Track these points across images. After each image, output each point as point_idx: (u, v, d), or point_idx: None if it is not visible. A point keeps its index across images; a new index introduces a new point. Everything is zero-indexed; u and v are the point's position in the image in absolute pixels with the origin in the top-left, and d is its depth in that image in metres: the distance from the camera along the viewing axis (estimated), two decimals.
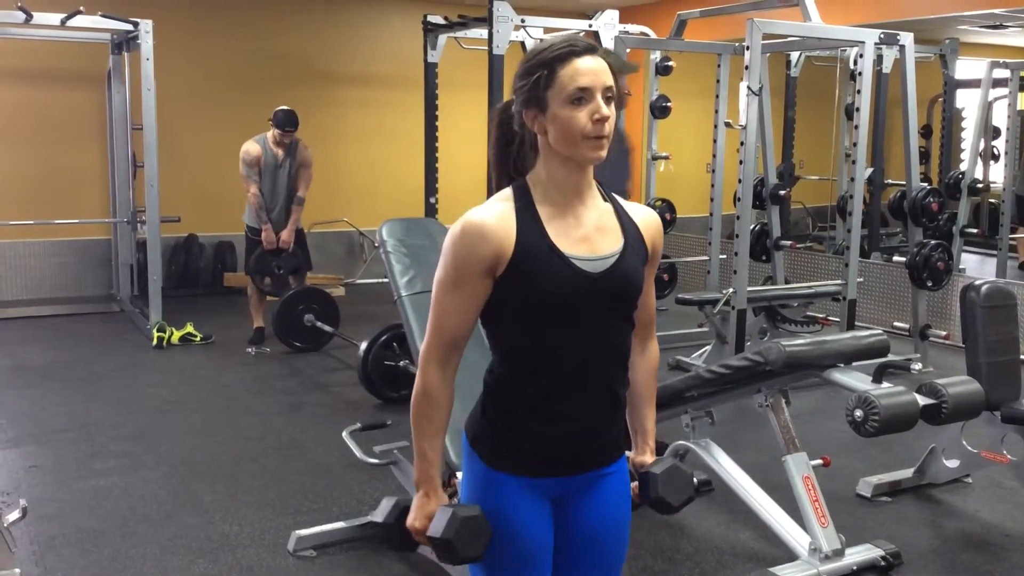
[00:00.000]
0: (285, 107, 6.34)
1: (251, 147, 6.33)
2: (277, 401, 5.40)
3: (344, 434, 3.61)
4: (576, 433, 1.75)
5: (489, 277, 1.68)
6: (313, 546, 3.45)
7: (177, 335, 6.58)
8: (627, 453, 1.91)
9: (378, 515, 1.87)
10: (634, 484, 1.89)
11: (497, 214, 1.68)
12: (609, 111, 1.65)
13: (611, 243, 1.73)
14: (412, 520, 1.75)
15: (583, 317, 1.69)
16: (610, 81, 1.66)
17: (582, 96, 1.64)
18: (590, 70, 1.64)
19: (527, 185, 1.73)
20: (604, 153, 1.67)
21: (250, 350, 6.42)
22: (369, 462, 3.48)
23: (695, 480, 1.94)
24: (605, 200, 1.78)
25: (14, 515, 3.31)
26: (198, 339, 6.63)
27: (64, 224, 7.66)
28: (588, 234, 1.72)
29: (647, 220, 1.81)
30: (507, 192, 1.73)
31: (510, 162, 1.78)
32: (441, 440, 1.78)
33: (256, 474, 4.23)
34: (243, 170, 6.35)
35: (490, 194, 1.79)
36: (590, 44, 1.68)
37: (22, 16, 6.44)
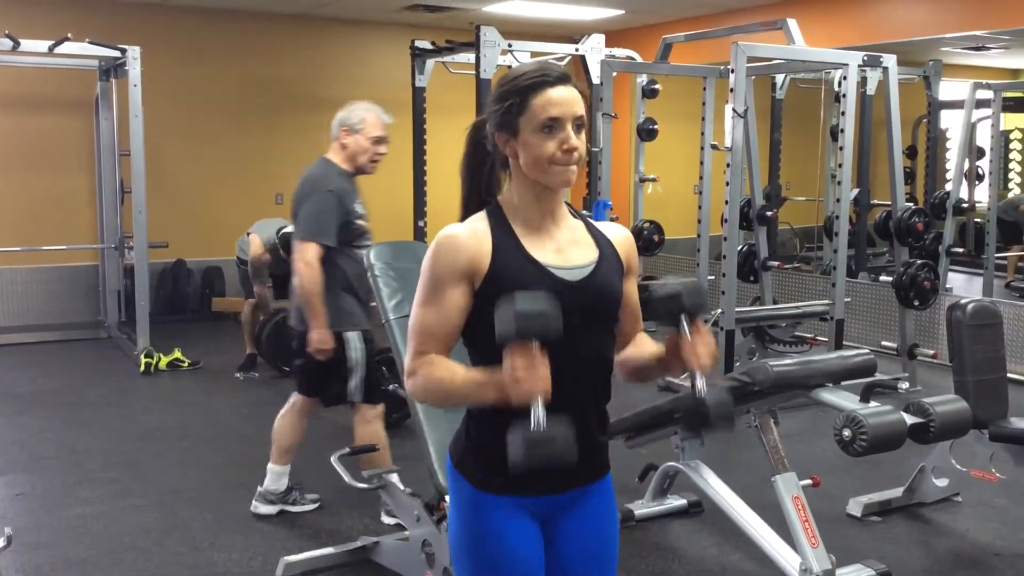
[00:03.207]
0: (292, 228, 6.25)
1: (261, 255, 6.27)
2: (266, 426, 5.32)
3: (333, 459, 3.59)
4: None
5: (466, 286, 1.70)
6: (302, 572, 3.43)
7: (165, 361, 6.56)
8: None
9: (519, 447, 1.58)
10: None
11: (471, 229, 1.73)
12: (578, 140, 1.69)
13: (586, 255, 1.77)
14: (522, 377, 1.58)
15: (564, 327, 1.69)
16: (581, 111, 1.70)
17: (552, 125, 1.68)
18: (561, 100, 1.68)
19: (499, 206, 1.77)
20: (572, 179, 1.72)
21: (238, 375, 6.40)
22: (358, 487, 3.46)
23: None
24: (575, 218, 1.82)
25: None
26: (186, 365, 6.61)
27: (51, 250, 7.64)
28: (562, 247, 1.76)
29: (618, 236, 1.85)
30: (481, 214, 1.77)
31: (482, 181, 1.82)
32: (462, 367, 1.71)
33: (244, 500, 4.19)
34: (251, 272, 6.36)
35: (464, 211, 1.82)
36: (562, 73, 1.72)
37: (10, 43, 6.45)
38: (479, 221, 1.75)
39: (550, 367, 1.69)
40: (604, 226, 1.85)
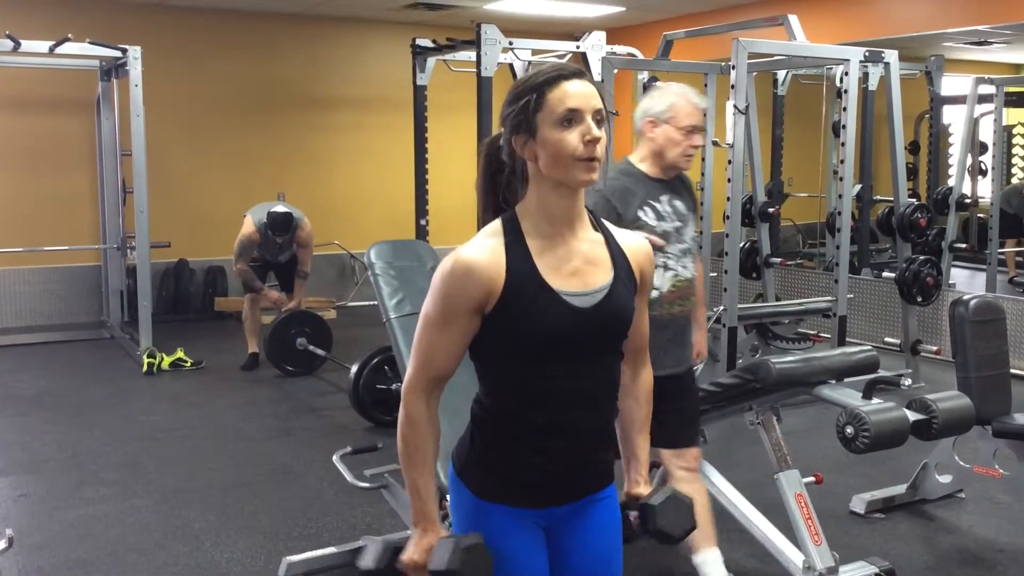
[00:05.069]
0: (280, 209, 6.34)
1: (251, 234, 6.35)
2: (268, 426, 5.37)
3: (335, 458, 3.59)
4: (567, 464, 1.73)
5: (477, 315, 1.66)
6: (304, 572, 3.42)
7: (168, 361, 6.56)
8: (624, 490, 1.88)
9: (367, 561, 1.73)
10: (634, 514, 1.83)
11: (486, 251, 1.65)
12: (600, 133, 1.63)
13: (602, 276, 1.71)
14: (410, 555, 1.69)
15: (573, 353, 1.68)
16: (599, 104, 1.64)
17: (572, 118, 1.62)
18: (579, 92, 1.63)
19: (516, 217, 1.70)
20: (596, 176, 1.65)
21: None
22: (360, 486, 3.46)
23: (693, 506, 1.87)
24: (596, 229, 1.76)
25: (1, 545, 3.28)
26: (189, 364, 6.61)
27: (54, 251, 7.64)
28: (579, 267, 1.70)
29: (636, 249, 1.80)
30: (496, 226, 1.70)
31: (499, 192, 1.76)
32: (432, 472, 1.72)
33: (247, 500, 4.20)
34: (236, 249, 6.41)
35: (478, 221, 1.77)
36: (578, 68, 1.67)
37: (11, 44, 6.45)
38: (493, 236, 1.68)
39: (559, 390, 1.69)
40: (623, 235, 1.79)
